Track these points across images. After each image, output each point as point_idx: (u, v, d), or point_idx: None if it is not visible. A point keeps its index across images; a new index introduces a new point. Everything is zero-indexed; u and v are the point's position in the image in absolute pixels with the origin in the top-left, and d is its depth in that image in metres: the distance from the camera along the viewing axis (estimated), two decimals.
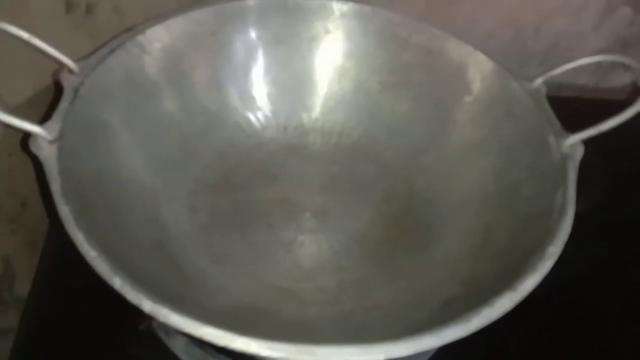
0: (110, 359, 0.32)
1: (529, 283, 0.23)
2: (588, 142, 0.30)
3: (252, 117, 0.38)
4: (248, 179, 0.36)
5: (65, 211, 0.23)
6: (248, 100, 0.37)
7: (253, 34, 0.36)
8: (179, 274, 0.28)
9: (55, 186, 0.24)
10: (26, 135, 0.26)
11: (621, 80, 0.50)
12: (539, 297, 0.24)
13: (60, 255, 0.35)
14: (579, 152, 0.29)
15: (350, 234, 0.34)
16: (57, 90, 0.29)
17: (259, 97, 0.38)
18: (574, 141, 0.29)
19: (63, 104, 0.27)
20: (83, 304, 0.32)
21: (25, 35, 0.27)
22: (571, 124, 0.31)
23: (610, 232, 0.39)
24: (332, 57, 0.38)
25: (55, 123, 0.26)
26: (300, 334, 0.27)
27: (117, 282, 0.22)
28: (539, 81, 0.32)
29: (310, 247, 0.33)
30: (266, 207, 0.35)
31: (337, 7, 0.36)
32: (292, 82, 0.38)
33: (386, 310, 0.29)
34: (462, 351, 0.28)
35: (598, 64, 0.49)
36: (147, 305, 0.21)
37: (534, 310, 0.31)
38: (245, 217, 0.34)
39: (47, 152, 0.25)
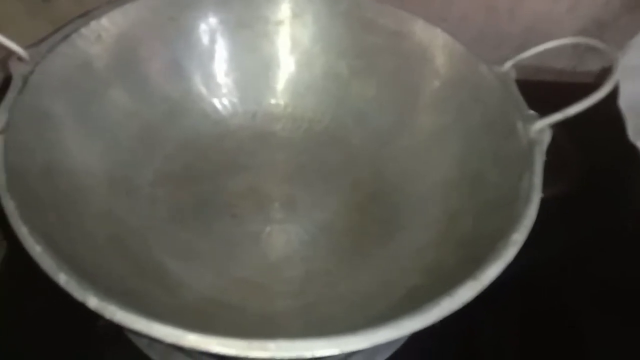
0: (76, 356, 0.31)
1: (492, 272, 0.23)
2: (561, 127, 0.29)
3: (218, 104, 0.37)
4: (214, 169, 0.35)
5: (10, 206, 0.22)
6: (213, 87, 0.36)
7: (215, 19, 0.35)
8: (137, 270, 0.28)
9: (0, 180, 0.23)
10: None
11: (599, 63, 0.49)
12: (509, 282, 0.23)
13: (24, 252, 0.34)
14: (547, 137, 0.28)
15: (318, 224, 0.33)
16: (6, 79, 0.28)
17: (225, 83, 0.37)
18: (542, 126, 0.28)
19: (10, 94, 0.26)
20: (46, 301, 0.31)
21: None
22: (547, 109, 0.30)
23: (581, 217, 0.38)
24: (299, 41, 0.37)
25: (1, 114, 0.25)
26: (264, 328, 0.27)
27: (62, 279, 0.21)
28: (508, 65, 0.32)
29: (277, 238, 0.33)
30: (232, 197, 0.34)
31: None
32: (259, 67, 0.37)
33: (351, 300, 0.28)
34: (433, 341, 0.28)
35: (575, 47, 0.49)
36: (93, 301, 0.20)
37: (504, 297, 0.31)
38: (209, 209, 0.33)
39: None
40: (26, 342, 0.31)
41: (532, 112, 0.30)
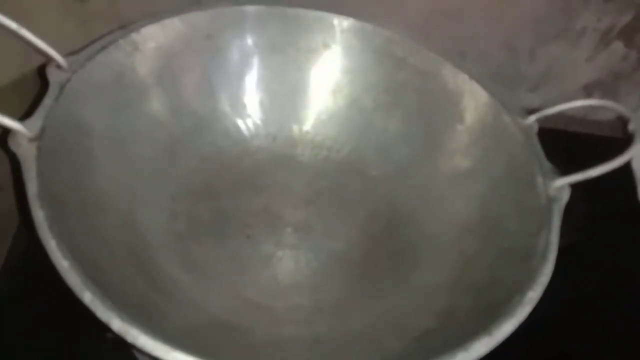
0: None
1: (506, 328, 0.23)
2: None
3: (241, 124, 0.37)
4: (232, 188, 0.35)
5: (39, 216, 0.22)
6: (239, 106, 0.37)
7: (250, 41, 0.36)
8: (151, 285, 0.28)
9: (32, 188, 0.23)
10: (6, 130, 0.25)
11: (608, 115, 0.50)
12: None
13: (31, 247, 0.33)
14: (566, 196, 0.29)
15: (331, 252, 0.33)
16: (43, 84, 0.28)
17: (250, 104, 0.37)
18: (562, 184, 0.29)
19: (47, 101, 0.26)
20: (50, 302, 0.31)
21: (14, 25, 0.26)
22: (556, 158, 0.31)
23: (586, 267, 0.39)
24: (328, 71, 0.37)
25: (36, 120, 0.25)
26: (273, 356, 0.27)
27: (87, 297, 0.21)
28: (531, 119, 0.32)
29: (288, 263, 0.33)
30: (248, 218, 0.34)
31: (338, 22, 0.36)
32: (285, 92, 0.37)
33: (361, 336, 0.29)
34: None
35: (587, 96, 0.50)
36: (117, 324, 0.20)
37: (508, 340, 0.31)
38: (225, 227, 0.33)
39: (25, 151, 0.24)
40: (24, 342, 0.31)
41: (552, 167, 0.30)
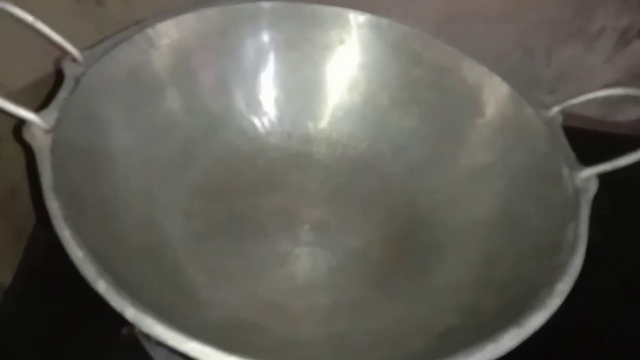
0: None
1: (536, 320, 0.22)
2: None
3: (257, 121, 0.37)
4: (248, 186, 0.35)
5: (54, 207, 0.22)
6: (254, 104, 0.36)
7: (265, 37, 0.35)
8: (168, 281, 0.27)
9: (46, 179, 0.23)
10: (21, 122, 0.25)
11: (628, 114, 0.50)
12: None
13: (46, 248, 0.33)
14: (593, 187, 0.28)
15: (348, 251, 0.33)
16: (58, 78, 0.28)
17: (265, 101, 0.37)
18: (589, 175, 0.28)
19: (62, 93, 0.26)
20: (65, 301, 0.31)
21: (30, 18, 0.26)
22: (578, 155, 0.30)
23: (608, 265, 0.37)
24: (344, 67, 0.37)
25: (52, 112, 0.25)
26: (292, 354, 0.26)
27: (102, 286, 0.20)
28: (555, 110, 0.31)
29: (305, 262, 0.32)
30: (264, 216, 0.33)
31: (354, 17, 0.36)
32: (301, 89, 0.37)
33: (381, 335, 0.28)
34: None
35: (607, 97, 0.49)
36: (130, 312, 0.20)
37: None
38: (241, 226, 0.33)
39: (40, 142, 0.24)
40: (38, 339, 0.30)
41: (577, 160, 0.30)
